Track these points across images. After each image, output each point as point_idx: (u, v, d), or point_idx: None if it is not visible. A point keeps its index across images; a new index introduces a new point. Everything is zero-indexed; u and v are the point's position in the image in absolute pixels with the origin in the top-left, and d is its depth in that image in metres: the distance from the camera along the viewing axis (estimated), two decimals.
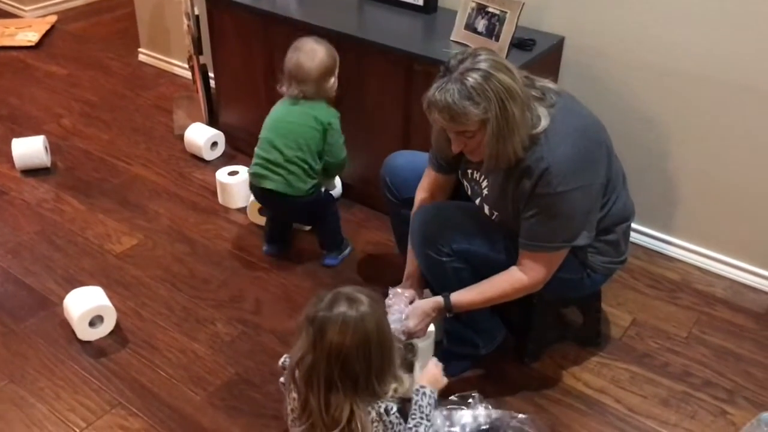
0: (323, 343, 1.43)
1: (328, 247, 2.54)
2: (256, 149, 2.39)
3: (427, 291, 2.06)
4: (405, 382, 1.56)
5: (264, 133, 2.38)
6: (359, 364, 1.44)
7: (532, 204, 1.76)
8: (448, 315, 1.90)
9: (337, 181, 2.76)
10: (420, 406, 1.61)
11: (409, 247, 2.09)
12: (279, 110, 2.37)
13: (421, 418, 1.59)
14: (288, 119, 2.33)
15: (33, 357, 2.15)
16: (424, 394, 1.63)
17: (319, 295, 1.51)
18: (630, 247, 2.04)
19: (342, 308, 1.45)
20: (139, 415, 1.97)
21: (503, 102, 1.63)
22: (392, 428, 1.51)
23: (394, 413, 1.51)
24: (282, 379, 1.67)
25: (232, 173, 2.82)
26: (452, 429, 1.85)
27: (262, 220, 2.69)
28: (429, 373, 1.71)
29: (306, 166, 2.33)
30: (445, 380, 1.74)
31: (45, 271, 2.48)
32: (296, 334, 1.52)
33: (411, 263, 2.08)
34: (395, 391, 1.52)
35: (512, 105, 1.64)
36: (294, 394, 1.54)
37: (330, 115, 2.35)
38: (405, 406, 1.63)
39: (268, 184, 2.35)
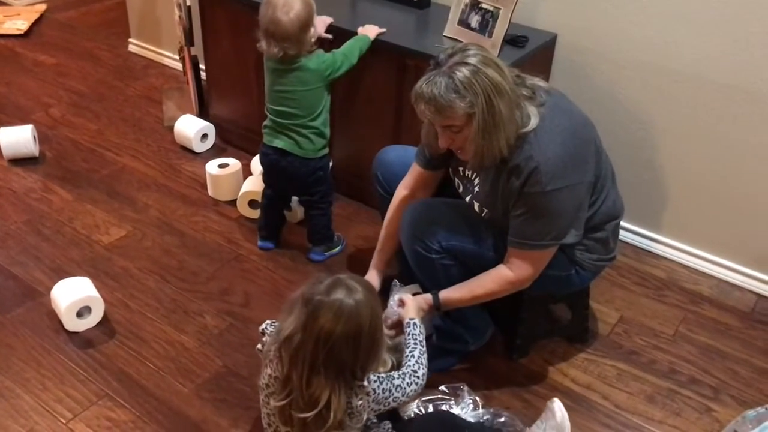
0: (314, 327, 1.44)
1: (316, 240, 2.53)
2: (264, 120, 2.39)
3: (416, 285, 2.07)
4: (388, 362, 1.64)
5: (268, 102, 2.35)
6: (346, 353, 1.45)
7: (522, 202, 1.77)
8: (437, 313, 1.91)
9: None
10: (414, 335, 1.74)
11: (381, 238, 2.13)
12: (272, 78, 2.30)
13: (416, 343, 1.71)
14: (286, 88, 2.27)
15: (19, 347, 2.13)
16: (414, 324, 1.76)
17: (318, 277, 1.51)
18: (618, 245, 2.05)
19: (339, 295, 1.45)
20: (126, 407, 1.97)
21: (490, 97, 1.64)
22: (376, 393, 1.53)
23: (373, 380, 1.53)
24: (259, 346, 1.69)
25: (222, 165, 2.81)
26: None
27: (252, 213, 2.68)
28: (411, 307, 1.82)
29: (315, 130, 2.32)
30: (425, 303, 1.87)
31: (32, 261, 2.46)
32: (287, 308, 1.52)
33: (378, 256, 2.13)
34: (376, 371, 1.56)
35: (499, 101, 1.65)
36: (269, 370, 1.55)
37: (320, 63, 2.27)
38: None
39: (278, 143, 2.34)
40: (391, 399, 1.56)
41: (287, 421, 1.52)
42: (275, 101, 2.32)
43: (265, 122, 2.39)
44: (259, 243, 2.58)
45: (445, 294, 1.89)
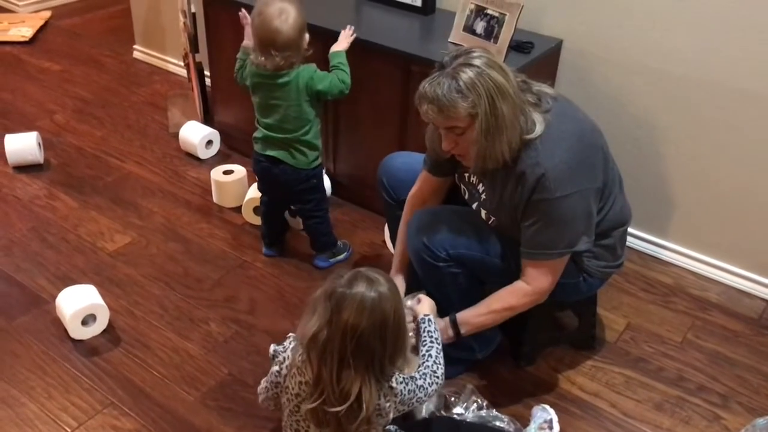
0: (340, 321, 1.43)
1: (318, 248, 2.52)
2: (257, 121, 2.36)
3: (422, 292, 2.05)
4: (413, 363, 1.60)
5: (259, 116, 2.33)
6: (374, 344, 1.44)
7: (531, 211, 1.76)
8: (455, 339, 1.89)
9: (325, 179, 2.76)
10: (429, 332, 1.72)
11: (397, 243, 2.10)
12: (262, 92, 2.27)
13: (432, 342, 1.69)
14: (278, 102, 2.25)
15: (24, 355, 2.12)
16: (429, 321, 1.75)
17: (339, 272, 1.51)
18: (625, 251, 2.04)
19: (361, 288, 1.44)
20: (132, 415, 1.96)
21: (493, 99, 1.63)
22: (402, 394, 1.52)
23: (400, 381, 1.52)
24: (272, 350, 1.67)
25: (227, 172, 2.81)
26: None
27: (257, 219, 2.67)
28: (425, 304, 1.81)
29: (307, 144, 2.30)
30: (444, 333, 1.85)
31: (37, 268, 2.46)
32: (308, 309, 1.51)
33: (399, 255, 2.10)
34: (401, 371, 1.54)
35: (502, 103, 1.64)
36: (298, 378, 1.53)
37: (308, 78, 2.22)
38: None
39: (270, 152, 2.32)
40: (414, 399, 1.56)
41: (322, 421, 1.51)
42: (265, 114, 2.30)
43: (256, 134, 2.37)
44: (264, 250, 2.57)
45: (463, 317, 1.87)
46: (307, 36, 2.23)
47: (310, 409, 1.50)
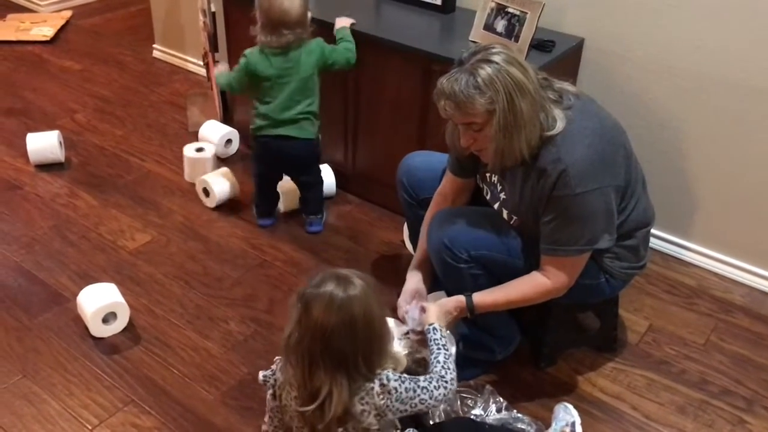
0: (308, 320, 1.43)
1: (316, 210, 2.66)
2: (260, 107, 2.46)
3: (442, 293, 2.04)
4: (402, 360, 1.58)
5: (267, 98, 2.43)
6: (343, 343, 1.43)
7: (551, 207, 1.74)
8: (469, 316, 1.86)
9: (329, 174, 2.82)
10: (435, 340, 1.68)
11: (419, 240, 2.08)
12: (275, 69, 2.39)
13: (439, 348, 1.65)
14: (288, 78, 2.40)
15: (46, 352, 2.14)
16: (435, 329, 1.71)
17: (312, 275, 1.51)
18: (648, 253, 2.01)
19: (329, 287, 1.44)
20: (152, 414, 1.96)
21: (512, 95, 1.62)
22: (398, 392, 1.49)
23: (394, 378, 1.49)
24: (261, 377, 1.63)
25: (200, 149, 2.89)
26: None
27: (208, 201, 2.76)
28: (433, 313, 1.78)
29: (313, 114, 2.49)
30: (455, 307, 1.83)
31: (58, 266, 2.48)
32: (288, 317, 1.51)
33: (420, 252, 2.08)
34: (394, 370, 1.52)
35: (521, 100, 1.63)
36: (294, 393, 1.52)
37: (322, 47, 2.43)
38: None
39: (281, 131, 2.45)
40: (417, 400, 1.52)
41: (311, 424, 1.50)
42: (274, 95, 2.42)
43: (260, 121, 2.47)
44: (259, 221, 2.68)
45: (479, 297, 1.84)
46: (309, 13, 2.38)
47: (299, 412, 1.49)
